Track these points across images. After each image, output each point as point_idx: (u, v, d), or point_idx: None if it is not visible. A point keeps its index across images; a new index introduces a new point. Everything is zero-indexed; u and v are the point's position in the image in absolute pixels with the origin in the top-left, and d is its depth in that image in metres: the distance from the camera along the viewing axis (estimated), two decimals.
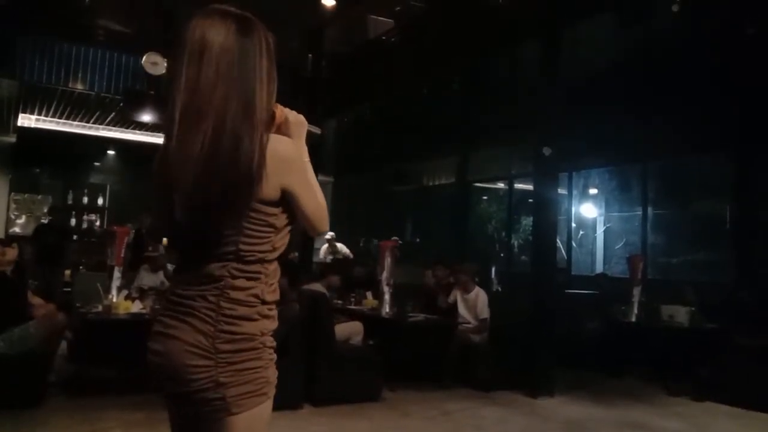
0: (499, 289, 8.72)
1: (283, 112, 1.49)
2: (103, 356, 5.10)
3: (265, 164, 1.31)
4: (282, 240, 1.41)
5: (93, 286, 5.50)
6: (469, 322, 6.31)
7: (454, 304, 6.49)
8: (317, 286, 5.71)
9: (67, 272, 8.47)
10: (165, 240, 9.18)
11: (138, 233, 8.12)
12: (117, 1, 9.93)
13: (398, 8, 10.21)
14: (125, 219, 8.55)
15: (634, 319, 6.67)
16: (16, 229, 10.87)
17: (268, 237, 1.36)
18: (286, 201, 1.38)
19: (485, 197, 12.74)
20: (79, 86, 9.28)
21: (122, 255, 5.62)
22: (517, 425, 4.89)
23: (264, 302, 1.38)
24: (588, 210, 11.08)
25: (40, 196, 11.35)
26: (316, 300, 5.25)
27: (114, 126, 11.34)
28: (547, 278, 6.24)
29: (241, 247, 1.33)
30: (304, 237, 9.59)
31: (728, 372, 5.79)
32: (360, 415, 4.88)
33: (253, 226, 1.33)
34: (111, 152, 12.13)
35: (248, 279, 1.35)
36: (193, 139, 1.29)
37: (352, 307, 6.70)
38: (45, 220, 10.71)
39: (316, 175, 1.51)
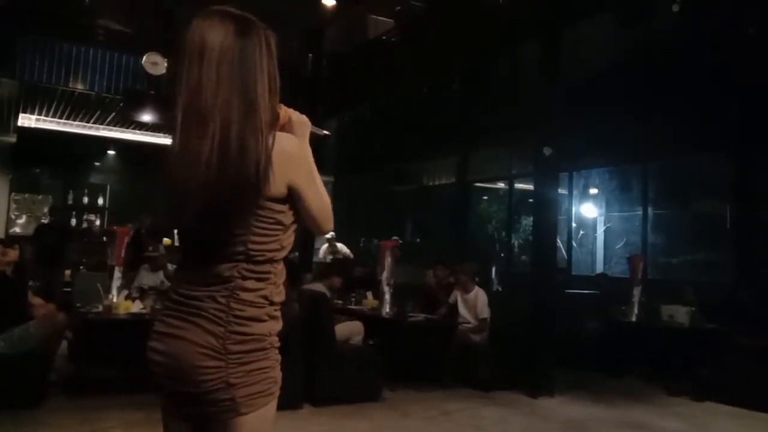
0: (499, 289, 8.72)
1: (286, 112, 1.49)
2: (103, 356, 5.10)
3: (271, 164, 1.31)
4: (289, 238, 1.41)
5: (93, 286, 5.50)
6: (469, 322, 6.31)
7: (454, 304, 6.49)
8: (318, 286, 5.71)
9: (68, 272, 8.47)
10: (165, 240, 9.21)
11: (137, 233, 8.11)
12: (117, 1, 9.94)
13: (398, 8, 10.21)
14: (125, 219, 8.55)
15: (634, 319, 6.67)
16: (17, 229, 10.87)
17: (277, 235, 1.37)
18: (292, 198, 1.39)
19: (485, 197, 12.74)
20: (79, 86, 9.28)
21: (122, 255, 5.61)
22: (517, 425, 4.89)
23: (272, 303, 1.38)
24: (588, 210, 11.08)
25: (40, 196, 11.34)
26: (317, 300, 5.25)
27: (114, 126, 11.34)
28: (547, 278, 6.24)
29: (251, 246, 1.33)
30: (304, 237, 9.60)
31: (728, 372, 5.79)
32: (360, 415, 4.88)
33: (262, 224, 1.34)
34: (111, 152, 12.13)
35: (258, 280, 1.36)
36: (198, 142, 1.29)
37: (352, 307, 6.70)
38: (45, 220, 10.72)
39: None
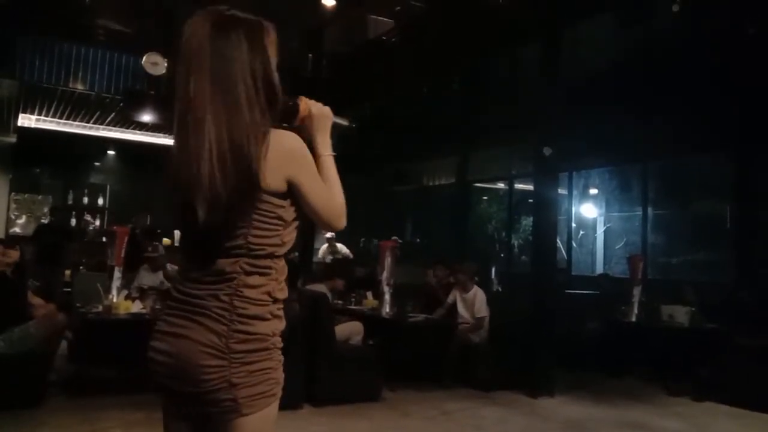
0: (499, 289, 8.72)
1: (307, 104, 1.50)
2: (103, 356, 5.10)
3: (266, 159, 1.32)
4: (290, 235, 1.41)
5: (93, 286, 5.50)
6: (468, 322, 6.31)
7: (453, 304, 6.49)
8: (320, 287, 5.71)
9: (68, 272, 8.47)
10: (165, 240, 9.21)
11: (132, 233, 8.09)
12: (117, 1, 9.94)
13: (398, 8, 10.21)
14: (125, 219, 8.54)
15: (634, 319, 6.67)
16: (17, 230, 10.86)
17: (277, 230, 1.37)
18: (293, 194, 1.39)
19: (485, 197, 12.74)
20: (79, 86, 9.27)
21: (122, 255, 5.61)
22: (517, 425, 4.89)
23: (275, 300, 1.39)
24: (588, 210, 11.08)
25: (40, 196, 11.33)
26: (317, 300, 5.25)
27: (114, 126, 11.32)
28: (547, 278, 6.24)
29: (251, 240, 1.34)
30: (304, 237, 9.59)
31: (728, 372, 5.79)
32: (360, 415, 4.88)
33: (262, 218, 1.35)
34: (111, 152, 12.12)
35: (261, 275, 1.36)
36: (194, 143, 1.31)
37: (352, 307, 6.70)
38: (45, 221, 10.71)
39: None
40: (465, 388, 5.85)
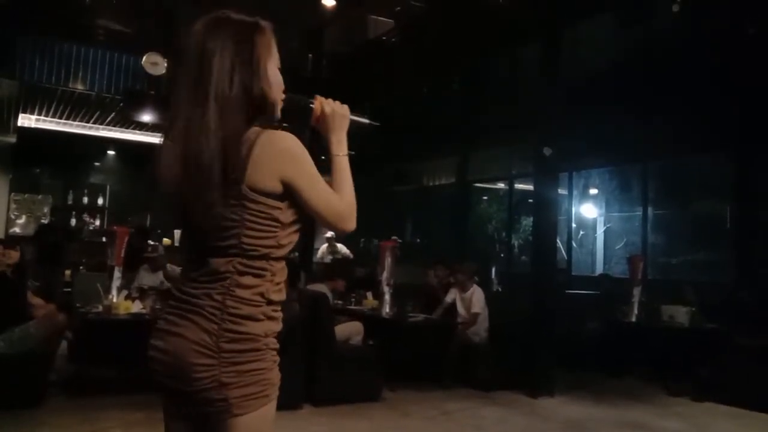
0: (499, 289, 8.72)
1: (321, 103, 1.49)
2: (103, 356, 5.10)
3: (249, 158, 1.31)
4: (288, 237, 1.40)
5: (93, 286, 5.50)
6: (466, 321, 6.31)
7: (452, 303, 6.49)
8: (320, 287, 5.71)
9: (68, 272, 8.46)
10: (165, 240, 9.21)
11: (130, 234, 8.09)
12: (117, 1, 9.93)
13: (398, 8, 10.21)
14: (125, 219, 8.54)
15: (634, 319, 6.67)
16: (17, 230, 10.85)
17: (273, 232, 1.36)
18: (291, 196, 1.37)
19: (485, 197, 12.73)
20: (79, 86, 9.26)
21: (122, 255, 5.61)
22: (517, 425, 4.89)
23: (269, 302, 1.38)
24: (588, 210, 11.08)
25: (40, 196, 11.32)
26: (317, 300, 5.26)
27: (114, 126, 11.32)
28: (547, 278, 6.24)
29: (244, 240, 1.33)
30: (304, 237, 9.58)
31: (728, 372, 5.79)
32: (360, 415, 4.88)
33: (254, 218, 1.34)
34: (111, 152, 12.11)
35: (254, 276, 1.35)
36: (174, 143, 1.34)
37: (352, 307, 6.70)
38: (45, 221, 10.70)
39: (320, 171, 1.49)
40: (465, 388, 5.85)
